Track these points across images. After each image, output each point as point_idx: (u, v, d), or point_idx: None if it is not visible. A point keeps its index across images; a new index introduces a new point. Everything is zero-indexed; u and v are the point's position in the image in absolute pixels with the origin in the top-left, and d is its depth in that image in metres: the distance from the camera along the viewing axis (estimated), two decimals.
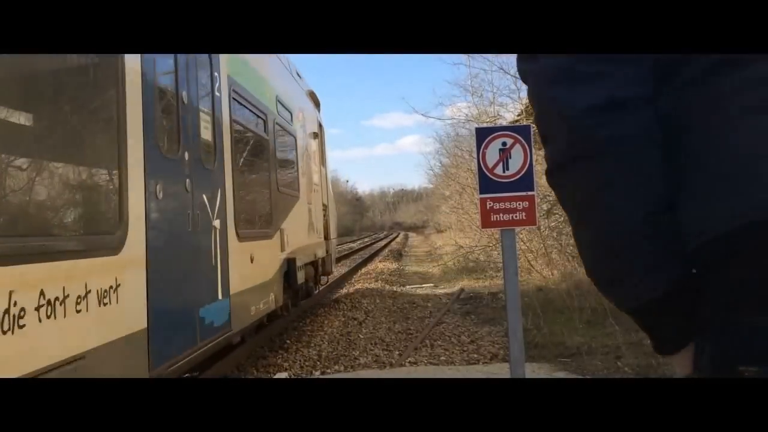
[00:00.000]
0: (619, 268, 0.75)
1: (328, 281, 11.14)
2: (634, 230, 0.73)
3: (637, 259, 0.73)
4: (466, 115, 11.94)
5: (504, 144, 4.07)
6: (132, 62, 3.17)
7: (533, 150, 4.09)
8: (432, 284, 13.50)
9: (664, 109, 0.74)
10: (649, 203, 0.72)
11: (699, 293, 0.72)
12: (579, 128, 0.74)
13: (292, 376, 6.11)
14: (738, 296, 0.67)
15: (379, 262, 22.37)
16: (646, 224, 0.72)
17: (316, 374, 6.00)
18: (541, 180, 9.55)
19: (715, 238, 0.68)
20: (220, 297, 4.47)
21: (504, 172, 4.07)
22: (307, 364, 6.61)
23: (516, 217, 4.06)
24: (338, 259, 25.54)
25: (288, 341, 8.11)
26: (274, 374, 6.55)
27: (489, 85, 11.35)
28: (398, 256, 25.92)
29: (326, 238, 10.08)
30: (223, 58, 4.84)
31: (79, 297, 2.54)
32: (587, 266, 0.81)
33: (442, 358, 5.87)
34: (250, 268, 5.34)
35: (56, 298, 2.39)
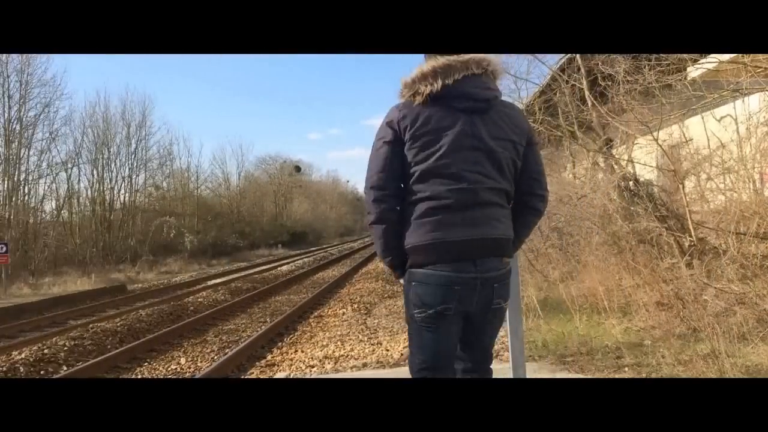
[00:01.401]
0: (384, 257, 2.24)
1: None
2: (386, 250, 2.22)
3: (387, 255, 2.23)
4: None
5: None
6: None
7: None
8: None
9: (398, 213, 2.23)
10: (393, 240, 2.20)
11: (403, 262, 2.21)
12: (377, 215, 2.20)
13: (292, 376, 6.11)
14: (414, 257, 2.17)
15: (380, 261, 22.33)
16: (391, 249, 2.21)
17: (317, 374, 6.00)
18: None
19: (406, 247, 2.18)
20: None
21: None
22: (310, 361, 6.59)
23: None
24: (339, 259, 25.53)
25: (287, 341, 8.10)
26: (274, 374, 6.55)
27: None
28: None
29: None
30: None
31: None
32: (378, 255, 2.29)
33: None
34: None
35: None
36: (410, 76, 2.17)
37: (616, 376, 4.53)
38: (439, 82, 2.10)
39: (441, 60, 2.12)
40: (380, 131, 2.21)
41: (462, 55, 2.12)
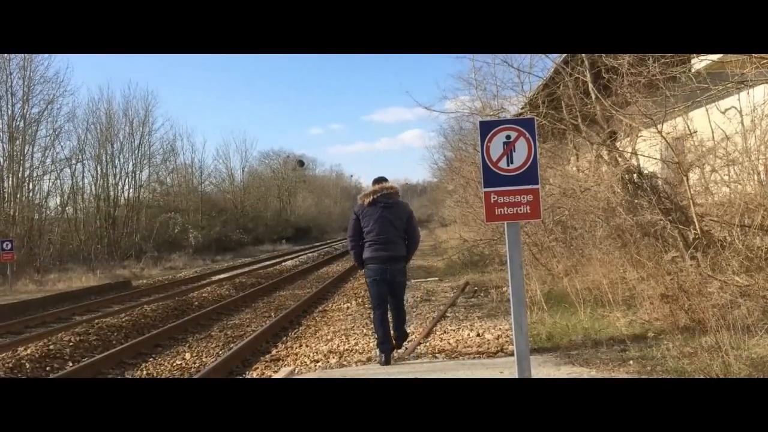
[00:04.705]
0: (356, 262, 5.82)
1: None
2: (356, 260, 5.77)
3: (357, 261, 5.78)
4: (470, 108, 11.80)
5: (508, 137, 4.05)
6: None
7: (537, 143, 4.07)
8: (437, 278, 13.50)
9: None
10: (359, 256, 5.68)
11: (365, 263, 5.64)
12: (352, 247, 5.78)
13: (294, 374, 6.13)
14: (366, 261, 5.64)
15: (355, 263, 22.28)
16: (358, 260, 5.72)
17: (317, 373, 6.02)
18: (545, 173, 9.50)
19: (364, 259, 5.64)
20: None
21: (508, 165, 4.05)
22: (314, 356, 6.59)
23: (520, 210, 4.05)
24: (343, 254, 25.60)
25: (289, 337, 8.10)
26: (279, 368, 6.56)
27: (492, 78, 11.20)
28: None
29: None
30: None
31: None
32: (354, 261, 5.92)
33: (447, 351, 5.88)
34: None
35: None
36: (361, 195, 5.63)
37: (621, 369, 4.53)
38: (371, 197, 5.50)
39: (371, 188, 5.56)
40: (352, 215, 5.66)
41: (381, 185, 5.57)
